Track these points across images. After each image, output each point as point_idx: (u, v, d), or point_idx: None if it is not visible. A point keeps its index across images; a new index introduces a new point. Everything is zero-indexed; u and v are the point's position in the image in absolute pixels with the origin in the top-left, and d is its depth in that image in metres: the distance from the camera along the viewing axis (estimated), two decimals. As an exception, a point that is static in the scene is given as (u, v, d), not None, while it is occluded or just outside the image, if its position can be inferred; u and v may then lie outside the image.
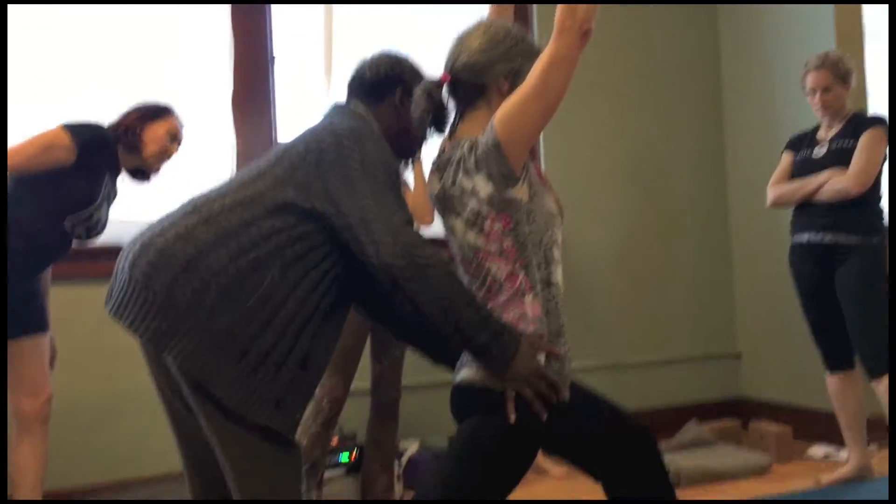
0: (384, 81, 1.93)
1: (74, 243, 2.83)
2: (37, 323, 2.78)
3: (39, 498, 2.78)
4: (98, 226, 2.81)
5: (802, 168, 3.36)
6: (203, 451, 1.82)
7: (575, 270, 4.32)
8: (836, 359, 3.34)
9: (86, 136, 2.68)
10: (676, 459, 3.56)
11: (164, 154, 2.87)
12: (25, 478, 2.74)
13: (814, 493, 3.26)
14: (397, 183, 1.76)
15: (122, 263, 1.76)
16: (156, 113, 2.85)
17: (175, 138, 2.89)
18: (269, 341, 1.65)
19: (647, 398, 4.40)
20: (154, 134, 2.83)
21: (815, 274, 3.32)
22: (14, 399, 2.75)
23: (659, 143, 4.58)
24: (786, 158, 3.48)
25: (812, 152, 3.36)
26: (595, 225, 4.41)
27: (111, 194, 2.87)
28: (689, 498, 3.22)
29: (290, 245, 1.70)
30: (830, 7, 4.01)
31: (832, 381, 3.37)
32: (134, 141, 2.80)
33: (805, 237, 3.34)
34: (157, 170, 2.93)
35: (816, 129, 3.44)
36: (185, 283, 1.65)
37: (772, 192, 3.46)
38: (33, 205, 2.64)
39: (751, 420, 4.19)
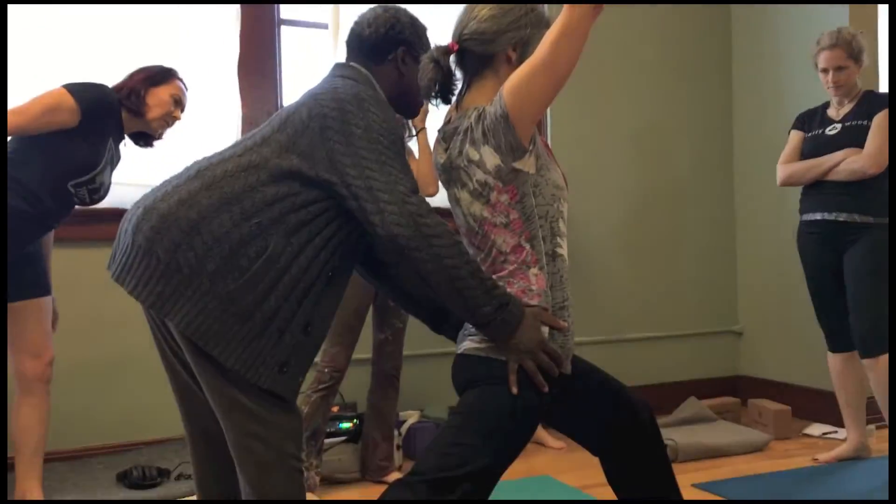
0: (384, 41, 1.88)
1: (77, 206, 2.82)
2: (39, 286, 2.78)
3: (41, 457, 2.79)
4: (101, 190, 2.80)
5: (815, 147, 3.32)
6: (206, 417, 1.83)
7: (578, 245, 4.31)
8: (839, 339, 3.34)
9: (90, 99, 2.65)
10: (675, 435, 3.57)
11: (168, 118, 2.84)
12: (27, 439, 2.76)
13: (809, 472, 3.26)
14: (402, 149, 1.74)
15: (124, 226, 1.76)
16: (160, 77, 2.83)
17: (179, 103, 2.87)
18: (272, 306, 1.65)
19: (648, 374, 4.41)
20: (158, 98, 2.81)
21: (825, 253, 3.30)
22: (16, 361, 2.76)
23: (665, 119, 4.55)
24: (795, 137, 3.44)
25: (825, 131, 3.32)
26: (599, 200, 4.39)
27: (114, 158, 2.86)
28: (686, 473, 3.24)
29: (293, 211, 1.69)
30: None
31: (833, 361, 3.37)
32: (138, 105, 2.78)
33: (818, 215, 3.31)
34: (161, 135, 2.91)
35: (824, 106, 3.41)
36: (187, 248, 1.65)
37: (783, 171, 3.42)
38: (35, 167, 2.63)
39: (750, 398, 4.20)
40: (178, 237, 1.65)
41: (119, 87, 2.80)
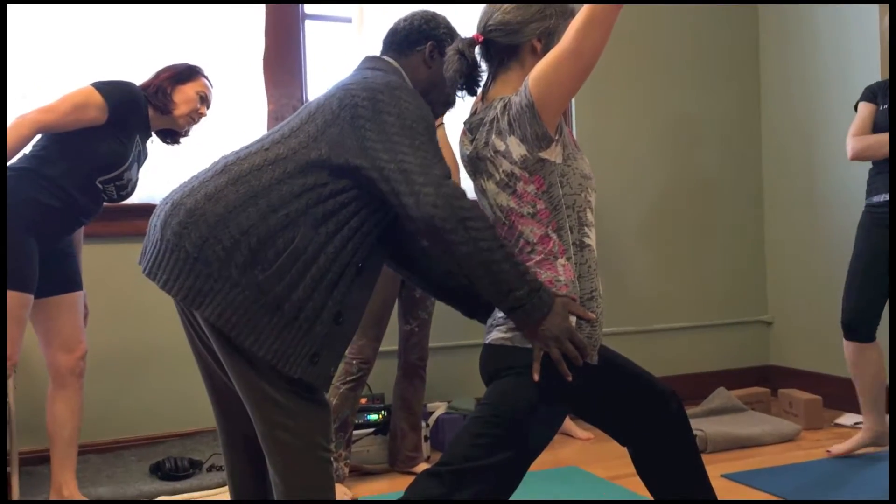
0: (416, 33, 1.91)
1: (105, 203, 2.85)
2: (71, 281, 2.83)
3: (75, 450, 2.84)
4: (129, 186, 2.84)
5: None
6: (236, 409, 1.85)
7: (607, 237, 4.30)
8: (859, 326, 3.15)
9: (118, 97, 2.69)
10: (704, 426, 3.55)
11: (195, 115, 2.87)
12: (61, 432, 2.81)
13: (840, 462, 3.23)
14: (434, 136, 1.73)
15: (153, 222, 1.78)
16: (187, 74, 2.86)
17: (205, 100, 2.90)
18: (302, 296, 1.66)
19: (677, 364, 4.39)
20: (184, 95, 2.84)
21: (888, 236, 3.07)
22: (49, 354, 2.80)
23: (694, 111, 4.52)
24: (865, 109, 3.19)
25: None
26: (628, 192, 4.38)
27: (141, 155, 2.89)
28: (716, 464, 3.22)
29: (321, 202, 1.70)
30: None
31: (848, 348, 3.20)
32: (164, 102, 2.81)
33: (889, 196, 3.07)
34: (187, 132, 2.94)
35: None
36: (215, 241, 1.66)
37: (857, 143, 3.13)
38: (64, 164, 2.66)
39: (780, 387, 4.17)
40: (206, 231, 1.67)
41: (145, 85, 2.83)
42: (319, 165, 1.71)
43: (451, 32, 1.94)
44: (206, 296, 1.66)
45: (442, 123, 3.31)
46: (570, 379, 1.67)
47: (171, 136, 2.96)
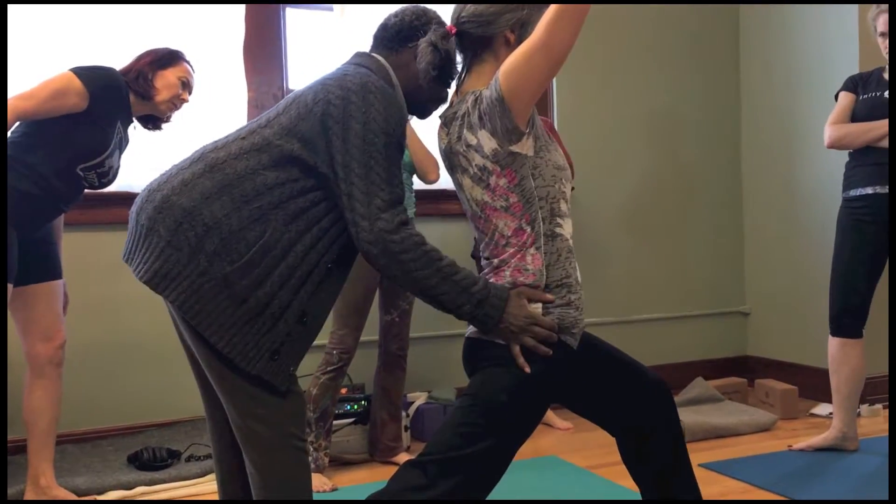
0: (407, 29, 1.89)
1: (86, 190, 2.83)
2: (50, 269, 2.81)
3: (53, 439, 2.82)
4: (110, 173, 2.81)
5: (870, 110, 3.12)
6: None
7: (587, 227, 4.32)
8: (846, 321, 3.16)
9: (98, 82, 2.66)
10: (682, 415, 3.58)
11: (176, 101, 2.85)
12: (39, 422, 2.79)
13: (816, 452, 3.27)
14: (393, 151, 1.72)
15: (133, 210, 1.78)
16: (168, 59, 2.83)
17: (187, 85, 2.87)
18: (268, 293, 1.67)
19: (656, 354, 4.42)
20: (166, 80, 2.81)
21: (871, 230, 3.10)
22: (28, 344, 2.78)
23: (675, 102, 4.54)
24: (845, 98, 3.21)
25: (881, 94, 3.11)
26: (608, 183, 4.39)
27: (123, 141, 2.87)
28: (693, 453, 3.26)
29: (293, 198, 1.71)
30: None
31: (832, 344, 3.20)
32: (146, 87, 2.78)
33: (868, 189, 3.10)
34: (169, 117, 2.91)
35: (879, 70, 3.21)
36: (189, 227, 1.67)
37: (835, 131, 3.16)
38: (44, 151, 2.63)
39: (757, 378, 4.21)
40: (180, 216, 1.67)
41: (126, 70, 2.80)
42: (292, 161, 1.72)
43: (442, 26, 1.93)
44: (172, 280, 1.66)
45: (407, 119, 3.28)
46: (550, 354, 1.69)
47: (153, 121, 2.93)
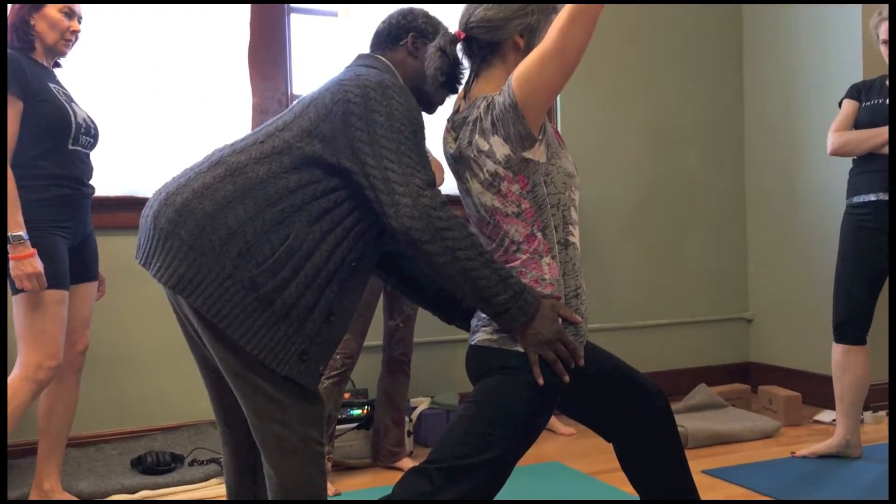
0: (396, 28, 1.93)
1: (93, 184, 2.80)
2: (82, 271, 2.77)
3: (63, 444, 2.82)
4: (88, 124, 2.72)
5: (873, 117, 3.13)
6: (233, 400, 1.86)
7: (590, 234, 4.32)
8: (849, 328, 3.16)
9: (12, 79, 2.53)
10: (685, 422, 3.58)
11: (68, 35, 2.69)
12: (51, 426, 2.78)
13: (820, 459, 3.26)
14: (422, 139, 1.74)
15: (146, 213, 1.77)
16: None
17: (72, 14, 2.70)
18: (294, 293, 1.67)
19: (658, 361, 4.42)
20: (48, 20, 2.65)
21: (874, 236, 3.10)
22: None
23: (677, 110, 4.55)
24: (848, 106, 3.23)
25: (884, 101, 3.12)
26: (611, 189, 4.40)
27: (66, 93, 2.73)
28: (696, 460, 3.25)
29: (315, 199, 1.70)
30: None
31: (836, 351, 3.20)
32: (30, 37, 2.64)
33: (871, 196, 3.10)
34: (65, 53, 2.75)
35: (882, 78, 3.22)
36: (212, 230, 1.66)
37: (837, 139, 3.17)
38: (39, 158, 2.59)
39: (760, 384, 4.21)
40: (203, 220, 1.67)
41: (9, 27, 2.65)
42: (314, 162, 1.71)
43: (430, 21, 1.96)
44: (198, 285, 1.65)
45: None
46: (566, 380, 1.68)
47: (57, 60, 2.79)
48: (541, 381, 1.67)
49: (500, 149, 1.71)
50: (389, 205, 1.65)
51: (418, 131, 1.72)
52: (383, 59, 1.90)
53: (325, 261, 1.69)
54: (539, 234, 1.73)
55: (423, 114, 1.90)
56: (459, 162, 1.80)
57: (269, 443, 1.72)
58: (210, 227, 1.66)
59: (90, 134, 2.73)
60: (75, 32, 2.72)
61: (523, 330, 1.67)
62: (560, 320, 1.71)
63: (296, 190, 1.70)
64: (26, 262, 2.47)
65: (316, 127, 1.72)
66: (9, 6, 2.64)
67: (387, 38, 1.94)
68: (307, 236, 1.68)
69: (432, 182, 1.68)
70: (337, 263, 1.71)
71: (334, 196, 1.72)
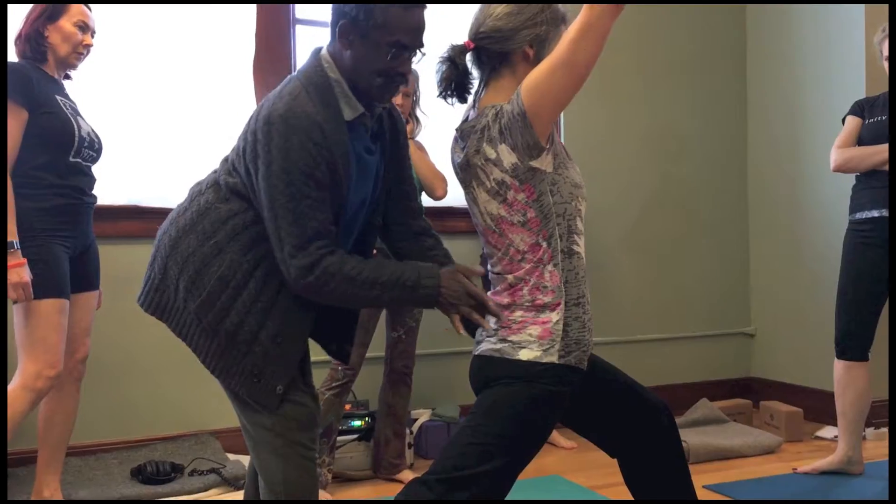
0: (335, 17, 1.80)
1: (94, 196, 2.80)
2: (82, 280, 2.77)
3: (63, 452, 2.81)
4: (92, 138, 2.73)
5: (876, 134, 3.14)
6: None
7: (590, 245, 4.29)
8: (851, 345, 3.16)
9: (15, 87, 2.54)
10: (686, 436, 3.57)
11: (80, 49, 2.70)
12: (50, 435, 2.77)
13: (821, 475, 3.25)
14: (303, 183, 1.66)
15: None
16: (53, 10, 2.65)
17: (85, 27, 2.71)
18: (234, 321, 1.73)
19: (660, 375, 4.40)
20: (62, 32, 2.66)
21: (877, 253, 3.10)
22: None
23: (680, 121, 4.55)
24: (852, 122, 3.25)
25: (886, 119, 3.12)
26: (612, 200, 4.39)
27: (73, 106, 2.75)
28: (697, 475, 3.24)
29: (246, 228, 1.75)
30: (860, -14, 3.95)
31: (838, 367, 3.20)
32: (43, 49, 2.65)
33: (875, 212, 3.11)
34: (76, 66, 2.77)
35: (885, 95, 3.22)
36: (173, 264, 1.78)
37: (840, 155, 3.18)
38: (41, 169, 2.59)
39: (762, 400, 4.19)
40: (165, 254, 1.80)
41: (19, 35, 2.66)
42: (237, 192, 1.77)
43: (363, 6, 1.74)
44: (167, 313, 1.81)
45: (412, 139, 3.28)
46: (487, 327, 1.72)
47: (68, 73, 2.80)
48: (462, 333, 1.75)
49: (508, 157, 1.71)
50: (280, 260, 1.71)
51: (294, 182, 1.66)
52: (324, 53, 1.80)
53: (261, 288, 1.75)
54: (544, 244, 1.73)
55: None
56: (466, 170, 1.80)
57: (256, 447, 1.79)
58: (171, 261, 1.78)
59: (93, 148, 2.75)
60: (88, 46, 2.74)
61: (437, 300, 1.71)
62: (475, 278, 1.76)
63: (226, 220, 1.76)
64: (13, 272, 2.47)
65: (237, 156, 1.78)
66: (28, 15, 2.67)
67: (332, 27, 1.81)
68: (241, 266, 1.74)
69: (303, 243, 1.67)
70: (274, 289, 1.75)
71: (263, 224, 1.74)
